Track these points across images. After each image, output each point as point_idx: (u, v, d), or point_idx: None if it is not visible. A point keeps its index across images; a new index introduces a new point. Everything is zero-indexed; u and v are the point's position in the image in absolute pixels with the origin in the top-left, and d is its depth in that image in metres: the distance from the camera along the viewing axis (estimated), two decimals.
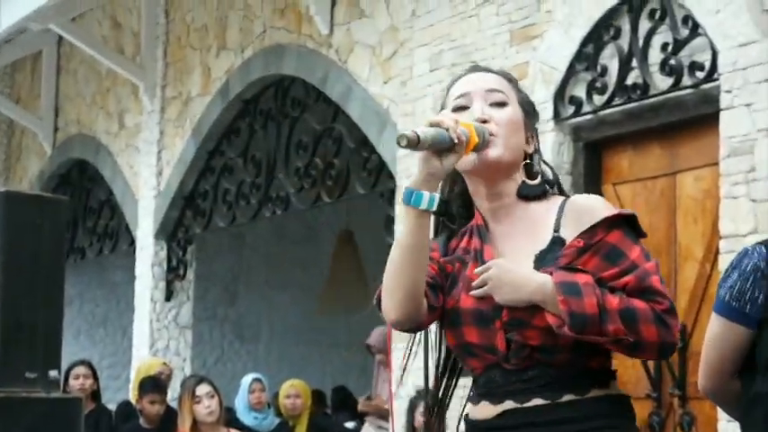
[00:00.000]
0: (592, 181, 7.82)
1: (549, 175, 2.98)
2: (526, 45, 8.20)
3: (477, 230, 2.92)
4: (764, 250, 3.56)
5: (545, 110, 7.88)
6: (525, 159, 2.92)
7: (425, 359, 3.00)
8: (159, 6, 12.72)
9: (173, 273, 12.47)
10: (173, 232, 12.49)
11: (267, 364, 14.46)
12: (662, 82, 7.30)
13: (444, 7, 8.89)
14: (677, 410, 7.21)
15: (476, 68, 3.01)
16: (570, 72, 7.82)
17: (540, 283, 2.73)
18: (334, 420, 11.11)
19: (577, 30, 7.79)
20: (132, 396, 9.20)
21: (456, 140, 2.71)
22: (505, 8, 8.40)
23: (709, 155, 7.05)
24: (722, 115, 6.76)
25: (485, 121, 2.84)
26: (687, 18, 7.15)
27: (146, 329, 12.37)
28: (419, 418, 7.51)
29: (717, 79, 6.88)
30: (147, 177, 12.62)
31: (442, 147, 2.71)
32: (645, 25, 7.45)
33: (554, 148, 7.82)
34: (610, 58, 7.66)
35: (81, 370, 8.93)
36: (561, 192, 2.99)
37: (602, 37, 7.69)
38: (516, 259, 2.83)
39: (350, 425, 10.46)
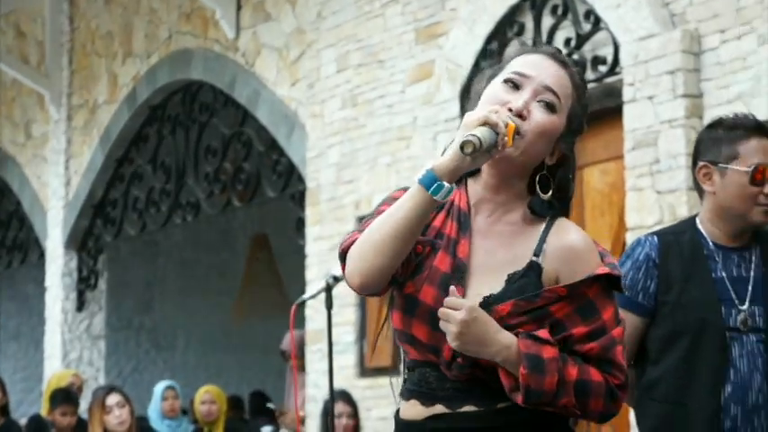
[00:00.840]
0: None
1: (567, 192, 2.81)
2: (431, 43, 8.22)
3: (457, 214, 2.74)
4: (656, 240, 3.64)
5: (451, 107, 7.90)
6: (542, 170, 2.73)
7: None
8: (63, 14, 12.58)
9: (84, 283, 12.34)
10: (83, 242, 12.35)
11: (185, 371, 14.35)
12: None
13: (350, 8, 8.88)
14: None
15: (552, 55, 2.76)
16: (476, 69, 7.83)
17: (506, 345, 2.62)
18: (251, 425, 11.04)
19: (481, 27, 7.82)
20: (44, 409, 9.08)
21: (500, 147, 2.59)
22: (410, 7, 8.41)
23: (614, 148, 7.10)
24: (625, 108, 6.82)
25: (520, 115, 2.65)
26: (589, 13, 7.21)
27: (57, 341, 12.22)
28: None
29: (619, 73, 6.94)
30: (55, 187, 12.48)
31: (486, 149, 2.58)
32: (548, 21, 7.49)
33: None
34: None
35: None
36: (562, 209, 2.80)
37: (506, 33, 7.73)
38: (487, 271, 2.70)
39: (266, 429, 10.40)
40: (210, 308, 14.45)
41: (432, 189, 2.57)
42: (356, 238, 2.68)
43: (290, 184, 9.75)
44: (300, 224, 9.43)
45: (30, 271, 14.32)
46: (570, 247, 2.69)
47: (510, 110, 2.64)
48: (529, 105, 2.68)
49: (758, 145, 3.60)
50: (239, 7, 10.13)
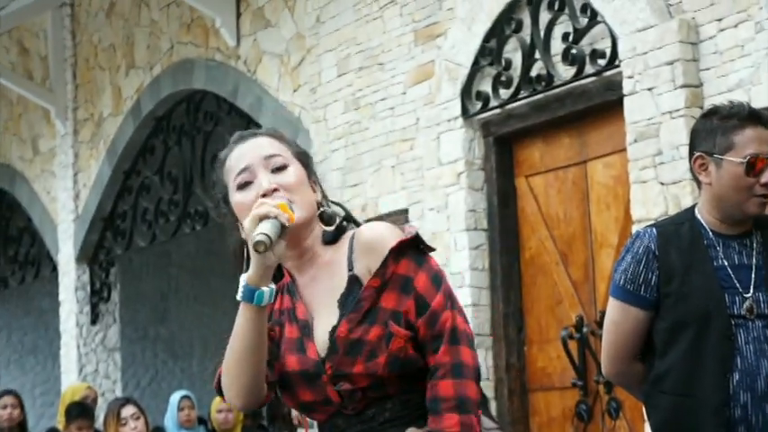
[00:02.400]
0: (504, 175, 7.85)
1: (341, 212, 2.95)
2: (430, 44, 8.22)
3: (287, 289, 2.90)
4: (655, 232, 3.63)
5: (453, 107, 7.90)
6: (318, 209, 2.88)
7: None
8: (65, 29, 12.60)
9: (97, 296, 12.36)
10: (94, 255, 12.38)
11: (202, 380, 14.37)
12: (565, 72, 7.34)
13: (348, 12, 8.89)
14: (603, 397, 7.25)
15: (243, 137, 2.93)
16: (475, 68, 7.84)
17: None
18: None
19: (479, 25, 7.82)
20: (59, 423, 9.10)
21: (286, 224, 2.70)
22: (408, 8, 8.41)
23: (616, 141, 7.10)
24: (626, 101, 6.82)
25: (275, 190, 2.78)
26: (585, 7, 7.20)
27: (73, 355, 12.25)
28: None
29: (618, 66, 6.93)
30: (64, 201, 12.50)
31: (280, 235, 2.69)
32: (545, 17, 7.49)
33: (464, 144, 7.83)
34: (513, 52, 7.70)
35: (8, 400, 8.83)
36: (356, 223, 2.95)
37: (505, 31, 7.73)
38: (322, 308, 2.83)
39: None
40: (225, 316, 14.41)
41: (255, 300, 2.72)
42: (220, 370, 2.86)
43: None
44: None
45: (44, 286, 14.36)
46: (366, 241, 2.82)
47: (264, 196, 2.77)
48: (271, 180, 2.80)
49: (753, 134, 3.57)
50: (239, 15, 10.13)
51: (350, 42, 8.89)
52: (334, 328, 2.79)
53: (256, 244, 2.64)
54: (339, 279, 2.83)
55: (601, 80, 7.14)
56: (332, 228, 2.88)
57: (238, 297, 2.73)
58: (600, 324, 7.18)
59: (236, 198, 2.86)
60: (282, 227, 2.69)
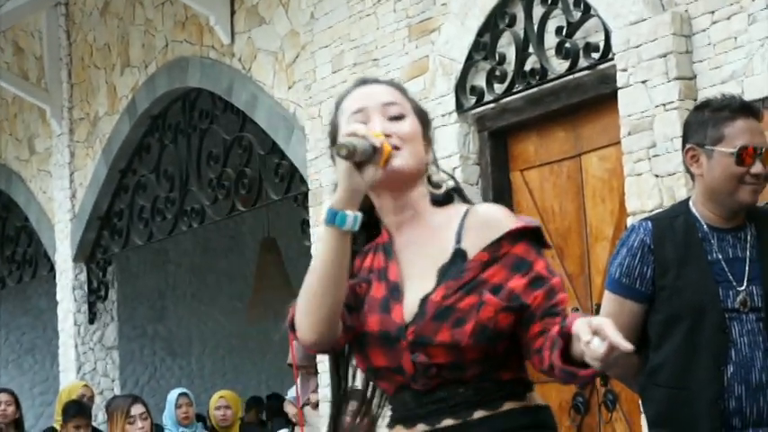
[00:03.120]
0: (499, 169, 7.86)
1: (450, 182, 2.92)
2: (424, 39, 8.23)
3: (382, 248, 2.84)
4: (650, 225, 3.65)
5: (447, 102, 7.91)
6: (428, 170, 2.86)
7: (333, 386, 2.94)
8: (60, 28, 12.60)
9: (94, 294, 12.36)
10: (91, 254, 12.38)
11: (201, 377, 14.40)
12: (559, 65, 7.36)
13: (342, 8, 8.90)
14: (600, 390, 7.26)
15: (366, 81, 2.92)
16: (469, 63, 7.85)
17: None
18: (269, 428, 11.09)
19: (473, 20, 7.83)
20: (56, 422, 9.12)
21: (377, 146, 2.67)
22: (402, 4, 8.42)
23: (611, 134, 7.11)
24: (620, 94, 6.83)
25: (387, 136, 2.75)
26: (579, 0, 7.21)
27: (71, 353, 12.25)
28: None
29: (612, 59, 6.94)
30: (61, 201, 12.51)
31: (366, 156, 2.66)
32: (538, 11, 7.50)
33: (459, 139, 7.85)
34: (507, 46, 7.71)
35: (3, 397, 8.85)
36: (464, 199, 2.91)
37: (498, 25, 7.74)
38: (419, 274, 2.78)
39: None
40: (223, 313, 14.48)
41: (336, 221, 2.66)
42: (293, 309, 2.76)
43: (293, 186, 9.76)
44: (305, 225, 9.44)
45: (41, 285, 14.36)
46: (482, 218, 2.77)
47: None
48: (386, 125, 2.78)
49: (744, 125, 3.60)
50: (233, 12, 10.14)
51: (344, 39, 8.89)
52: (428, 294, 2.73)
53: (339, 147, 2.61)
54: (442, 249, 2.77)
55: (595, 73, 7.16)
56: (440, 191, 2.84)
57: (323, 221, 2.67)
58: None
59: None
60: (374, 150, 2.65)
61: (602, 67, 7.08)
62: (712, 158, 3.61)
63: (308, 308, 2.70)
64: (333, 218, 2.66)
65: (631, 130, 6.74)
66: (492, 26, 7.75)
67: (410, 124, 2.82)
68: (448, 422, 2.74)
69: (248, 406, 12.39)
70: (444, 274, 2.74)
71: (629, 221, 6.73)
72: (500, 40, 7.74)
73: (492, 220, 2.75)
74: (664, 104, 6.59)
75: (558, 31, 7.33)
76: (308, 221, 9.37)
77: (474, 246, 2.74)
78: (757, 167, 3.58)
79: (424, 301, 2.73)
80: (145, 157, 11.73)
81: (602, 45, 7.06)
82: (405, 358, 2.73)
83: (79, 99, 12.40)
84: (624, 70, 6.79)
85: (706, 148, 3.63)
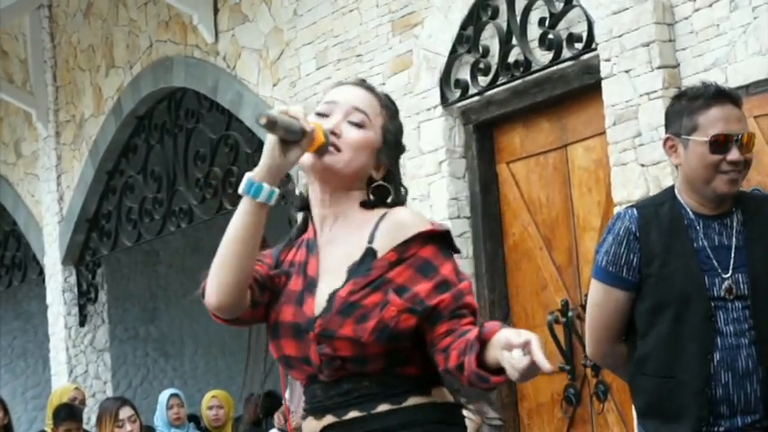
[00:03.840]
0: (485, 162, 7.84)
1: (401, 199, 2.98)
2: (408, 34, 8.21)
3: (305, 243, 2.94)
4: (635, 213, 3.63)
5: (432, 96, 7.90)
6: (371, 183, 2.91)
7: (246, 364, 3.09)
8: (44, 31, 12.56)
9: (84, 297, 12.33)
10: (80, 256, 12.35)
11: (194, 378, 14.37)
12: (543, 57, 7.34)
13: (325, 4, 8.88)
14: (591, 381, 7.26)
15: (361, 83, 2.99)
16: (453, 56, 7.84)
17: None
18: (263, 427, 11.04)
19: (456, 13, 7.81)
20: (47, 426, 9.10)
21: (307, 130, 2.73)
22: None
23: (596, 124, 7.10)
24: (604, 84, 6.82)
25: (333, 133, 2.83)
26: None
27: (63, 357, 12.22)
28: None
29: (595, 49, 6.93)
30: (49, 204, 12.47)
31: (292, 135, 2.73)
32: (521, 2, 7.49)
33: (444, 132, 7.83)
34: (490, 39, 7.70)
35: None
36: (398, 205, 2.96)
37: (481, 18, 7.72)
38: (331, 271, 2.86)
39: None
40: None
41: (252, 192, 2.76)
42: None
43: (280, 184, 9.71)
44: (294, 223, 9.40)
45: (31, 289, 14.33)
46: (396, 220, 2.83)
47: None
48: (340, 125, 2.85)
49: (718, 113, 3.56)
50: (216, 11, 10.12)
51: (327, 35, 8.87)
52: (336, 289, 2.81)
53: (260, 116, 2.68)
54: (356, 247, 2.84)
55: (578, 64, 7.15)
56: (372, 201, 2.89)
57: (240, 189, 2.75)
58: (585, 307, 7.20)
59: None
60: (303, 133, 2.72)
61: (585, 57, 7.07)
62: (688, 148, 3.59)
63: (217, 271, 2.81)
64: (249, 188, 2.76)
65: (616, 119, 6.73)
66: (475, 19, 7.74)
67: (363, 136, 2.87)
68: (354, 414, 2.81)
69: (246, 403, 12.35)
70: (353, 271, 2.81)
71: (617, 212, 6.72)
72: (483, 32, 7.73)
73: (403, 222, 2.81)
74: (648, 93, 6.58)
75: (541, 22, 7.32)
76: (295, 219, 9.33)
77: (384, 246, 2.81)
78: (734, 155, 3.54)
79: (332, 296, 2.81)
80: (132, 158, 11.70)
81: (585, 35, 7.05)
82: (312, 349, 2.82)
83: (65, 101, 12.36)
84: (608, 60, 6.78)
85: (682, 138, 3.61)
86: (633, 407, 6.52)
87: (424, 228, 2.80)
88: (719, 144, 3.53)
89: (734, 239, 3.58)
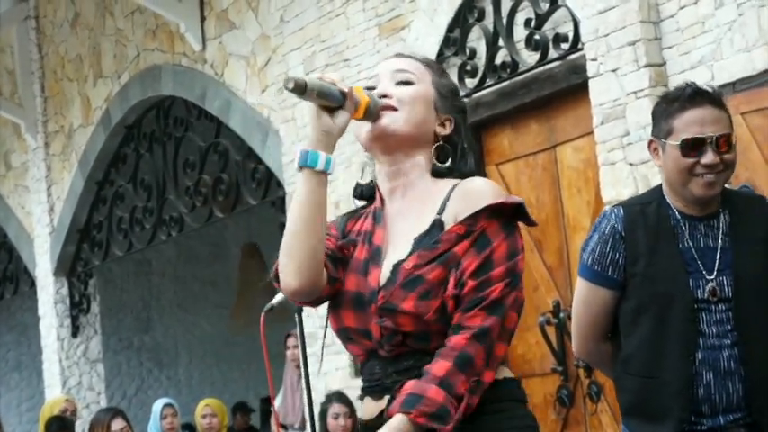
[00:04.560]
0: (474, 164, 7.81)
1: (470, 164, 2.92)
2: (395, 37, 8.20)
3: (372, 213, 2.87)
4: (622, 212, 3.61)
5: None
6: (437, 141, 2.86)
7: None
8: (31, 42, 12.55)
9: (76, 308, 12.32)
10: (71, 267, 12.33)
11: (189, 387, 14.34)
12: (530, 57, 7.33)
13: (311, 9, 8.86)
14: (584, 381, 7.23)
15: (399, 54, 2.97)
16: (440, 58, 7.82)
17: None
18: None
19: (442, 16, 7.80)
20: None
21: (346, 92, 2.70)
22: (371, 3, 8.39)
23: (584, 124, 7.08)
24: (591, 83, 6.80)
25: (384, 96, 2.80)
26: None
27: (56, 368, 12.20)
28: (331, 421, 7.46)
29: (581, 49, 6.92)
30: (39, 215, 12.46)
31: (331, 100, 2.70)
32: (507, 4, 7.47)
33: None
34: (477, 41, 7.68)
35: None
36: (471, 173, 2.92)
37: (468, 20, 7.71)
38: (399, 242, 2.79)
39: None
40: (209, 320, 14.43)
41: (308, 161, 2.69)
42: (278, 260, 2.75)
43: (270, 190, 9.72)
44: (283, 229, 9.39)
45: (24, 301, 14.31)
46: (468, 189, 2.76)
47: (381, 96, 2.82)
48: (388, 88, 2.82)
49: (693, 116, 3.53)
50: (203, 19, 10.10)
51: (315, 40, 8.86)
52: (401, 260, 2.73)
53: (286, 80, 2.65)
54: (426, 219, 2.78)
55: (565, 64, 7.13)
56: (444, 165, 2.83)
57: (297, 164, 2.70)
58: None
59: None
60: (343, 95, 2.70)
61: (572, 57, 7.06)
62: (666, 152, 3.58)
63: (290, 251, 2.71)
64: (305, 158, 2.69)
65: (604, 119, 6.72)
66: (461, 21, 7.73)
67: (415, 90, 2.84)
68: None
69: (234, 411, 12.35)
70: (419, 242, 2.74)
71: (603, 210, 6.71)
72: (470, 34, 7.71)
73: (474, 193, 2.73)
74: (635, 92, 6.56)
75: (527, 23, 7.31)
76: (284, 225, 9.32)
77: (453, 217, 2.73)
78: (708, 158, 3.52)
79: (397, 267, 2.73)
80: (121, 168, 11.69)
81: (571, 35, 7.04)
82: (373, 323, 2.74)
83: (53, 112, 12.35)
84: (594, 60, 6.77)
85: (661, 141, 3.60)
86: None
87: (494, 200, 2.72)
88: (692, 147, 3.51)
89: (720, 241, 3.57)
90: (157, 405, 9.07)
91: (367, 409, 2.80)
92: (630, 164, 6.59)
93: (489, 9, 7.56)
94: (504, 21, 7.46)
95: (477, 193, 2.73)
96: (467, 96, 7.71)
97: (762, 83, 6.16)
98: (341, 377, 8.49)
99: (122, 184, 11.69)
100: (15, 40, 12.65)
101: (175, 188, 10.98)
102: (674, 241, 3.55)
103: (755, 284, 3.54)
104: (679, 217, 3.58)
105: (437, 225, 2.74)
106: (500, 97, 7.60)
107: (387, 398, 2.73)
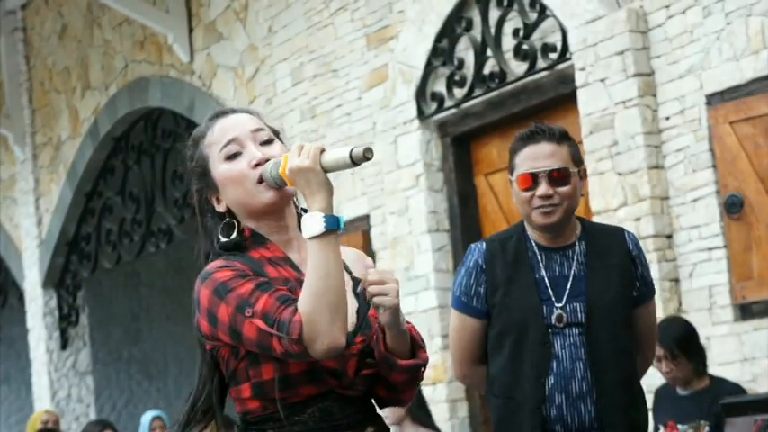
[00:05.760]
0: (463, 175, 7.82)
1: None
2: (383, 47, 8.19)
3: (283, 260, 2.85)
4: (484, 246, 3.96)
5: (408, 109, 7.88)
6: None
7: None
8: (19, 54, 12.53)
9: (65, 320, 12.28)
10: (60, 279, 12.30)
11: (179, 399, 14.27)
12: (518, 68, 7.33)
13: (299, 20, 8.85)
14: None
15: (225, 112, 2.94)
16: (428, 69, 7.82)
17: None
18: None
19: (430, 26, 7.80)
20: None
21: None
22: (359, 13, 8.39)
23: (572, 134, 7.01)
24: (579, 93, 6.80)
25: (267, 161, 2.80)
26: (534, 1, 7.19)
27: (45, 381, 12.16)
28: None
29: (570, 58, 6.92)
30: (27, 228, 12.42)
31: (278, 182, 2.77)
32: (495, 14, 7.47)
33: (421, 146, 7.81)
34: (465, 51, 7.68)
35: None
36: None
37: (455, 30, 7.71)
38: None
39: None
40: None
41: (341, 225, 2.70)
42: (297, 318, 2.65)
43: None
44: None
45: (12, 314, 14.26)
46: (358, 252, 3.03)
47: (257, 166, 2.80)
48: (262, 151, 2.83)
49: (529, 153, 3.88)
50: (191, 30, 10.09)
51: (303, 51, 8.85)
52: (363, 309, 2.81)
53: (366, 150, 2.65)
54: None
55: (553, 74, 7.13)
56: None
57: (321, 230, 2.66)
58: None
59: (224, 167, 2.83)
60: (353, 163, 2.70)
61: (560, 67, 7.06)
62: (513, 186, 3.93)
63: (338, 309, 2.66)
64: (336, 223, 2.69)
65: (592, 129, 6.72)
66: (449, 31, 7.72)
67: (280, 147, 2.87)
68: (371, 430, 2.83)
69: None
70: (357, 295, 2.81)
71: (595, 220, 6.71)
72: (458, 44, 7.71)
73: (360, 256, 2.94)
74: (623, 102, 6.57)
75: (515, 32, 7.31)
76: None
77: (358, 274, 2.87)
78: (542, 189, 3.81)
79: (365, 314, 2.81)
80: (110, 180, 11.66)
81: (559, 45, 7.04)
82: (350, 363, 2.78)
83: (41, 124, 12.32)
84: (582, 69, 6.77)
85: (510, 177, 3.96)
86: None
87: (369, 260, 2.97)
88: (527, 182, 3.84)
89: (574, 269, 3.85)
90: (146, 418, 9.04)
91: None
92: (619, 173, 6.58)
93: (477, 19, 7.56)
94: (493, 31, 7.46)
95: (362, 256, 2.96)
96: (455, 107, 7.71)
97: (750, 92, 6.17)
98: None
99: (111, 195, 11.66)
100: (3, 51, 12.62)
101: (164, 200, 10.95)
102: (530, 272, 3.85)
103: (607, 310, 3.81)
104: (536, 248, 3.87)
105: (356, 282, 2.83)
106: (488, 107, 7.59)
107: None
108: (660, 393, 5.74)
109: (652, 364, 4.16)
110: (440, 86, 7.80)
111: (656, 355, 5.57)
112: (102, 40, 11.34)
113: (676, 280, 6.45)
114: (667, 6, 6.52)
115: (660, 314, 6.32)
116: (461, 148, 7.86)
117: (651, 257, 6.39)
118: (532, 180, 3.82)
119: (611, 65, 6.62)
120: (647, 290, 3.94)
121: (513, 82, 7.34)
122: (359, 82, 8.39)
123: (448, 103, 7.74)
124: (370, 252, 8.30)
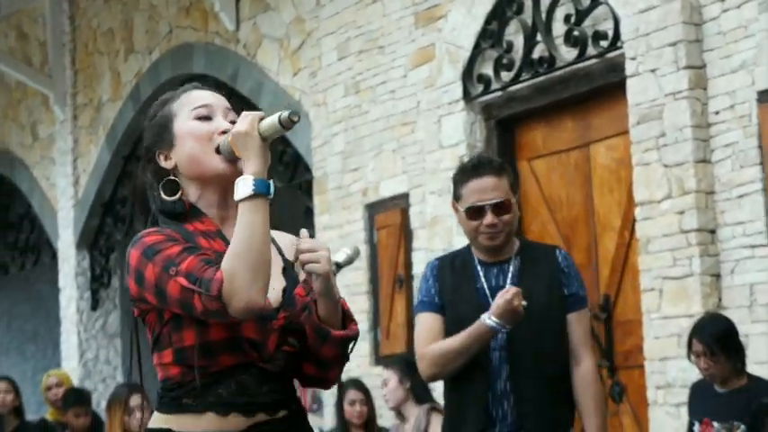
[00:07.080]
0: (506, 158, 7.74)
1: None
2: (431, 27, 8.15)
3: (216, 234, 2.91)
4: (436, 262, 4.56)
5: (454, 90, 7.84)
6: None
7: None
8: (64, 14, 12.54)
9: (97, 281, 12.31)
10: (94, 241, 12.33)
11: None
12: (567, 54, 7.28)
13: None
14: (607, 382, 7.19)
15: (202, 87, 3.08)
16: (476, 50, 7.78)
17: None
18: None
19: (480, 7, 7.75)
20: (49, 412, 9.12)
21: (285, 125, 2.78)
22: None
23: (619, 123, 7.03)
24: (629, 83, 6.75)
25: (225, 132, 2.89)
26: None
27: (74, 341, 12.21)
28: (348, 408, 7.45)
29: (621, 47, 6.86)
30: (64, 188, 12.45)
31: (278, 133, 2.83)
32: None
33: (465, 127, 7.78)
34: (515, 34, 7.63)
35: (2, 385, 8.80)
36: None
37: (506, 13, 7.66)
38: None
39: None
40: None
41: (270, 191, 2.77)
42: (218, 276, 2.69)
43: (297, 173, 9.70)
44: (309, 213, 9.39)
45: (44, 272, 14.31)
46: (290, 239, 3.06)
47: (223, 133, 2.89)
48: (229, 125, 2.93)
49: (474, 185, 4.38)
50: None
51: (350, 26, 8.82)
52: (289, 287, 2.90)
53: (292, 114, 2.74)
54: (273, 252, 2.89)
55: (603, 62, 7.08)
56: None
57: (249, 192, 2.73)
58: (602, 308, 7.15)
59: (190, 125, 2.93)
60: (282, 127, 2.78)
61: (610, 55, 7.00)
62: (458, 213, 4.46)
63: (258, 269, 2.71)
64: (266, 188, 2.75)
65: (640, 119, 6.67)
66: (499, 14, 7.68)
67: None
68: (284, 413, 2.88)
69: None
70: (290, 276, 2.92)
71: (637, 212, 6.67)
72: (507, 27, 7.66)
73: (291, 240, 2.98)
74: (673, 93, 6.51)
75: (567, 18, 7.25)
76: (311, 209, 9.31)
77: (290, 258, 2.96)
78: (488, 219, 4.35)
79: (290, 293, 2.89)
80: None
81: (610, 33, 6.98)
82: (272, 338, 2.84)
83: (83, 85, 12.34)
84: (633, 59, 6.72)
85: (457, 205, 4.45)
86: (650, 408, 6.48)
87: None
88: (474, 213, 4.37)
89: (508, 282, 4.38)
90: None
91: (231, 422, 2.83)
92: (665, 165, 6.54)
93: (528, 3, 7.51)
94: (544, 15, 7.41)
95: (292, 240, 2.98)
96: (501, 90, 7.67)
97: None
98: (360, 364, 8.47)
99: None
100: (48, 10, 12.64)
101: None
102: (472, 281, 4.42)
103: (530, 314, 4.26)
104: (477, 264, 4.44)
105: (289, 265, 2.93)
106: (535, 92, 7.55)
107: (260, 414, 2.83)
108: (696, 388, 5.72)
109: (594, 370, 4.46)
110: (487, 69, 7.76)
111: (695, 351, 5.56)
112: (149, 3, 11.34)
113: (717, 275, 6.40)
114: (722, 0, 6.46)
115: (699, 309, 6.31)
116: (506, 132, 7.83)
117: (693, 252, 6.36)
118: (479, 211, 4.35)
119: (662, 55, 6.56)
120: (575, 300, 4.41)
121: (561, 68, 7.30)
122: (405, 60, 8.36)
123: (494, 85, 7.70)
124: (407, 230, 8.29)
